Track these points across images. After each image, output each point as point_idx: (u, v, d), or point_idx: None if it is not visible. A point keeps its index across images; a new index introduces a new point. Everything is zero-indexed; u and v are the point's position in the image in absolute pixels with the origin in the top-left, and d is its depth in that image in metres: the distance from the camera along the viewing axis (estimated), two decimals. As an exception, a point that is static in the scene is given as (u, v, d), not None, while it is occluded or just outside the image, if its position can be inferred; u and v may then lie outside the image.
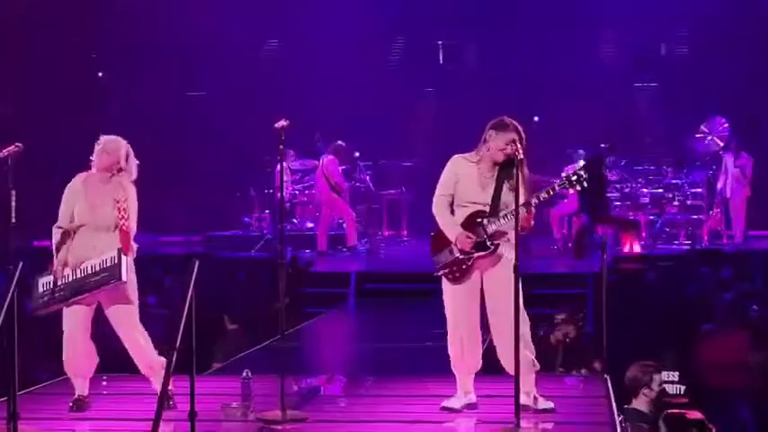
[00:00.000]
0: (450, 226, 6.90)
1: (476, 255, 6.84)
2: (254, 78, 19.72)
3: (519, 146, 6.62)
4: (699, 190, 16.05)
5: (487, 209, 6.83)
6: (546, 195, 6.73)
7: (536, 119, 17.32)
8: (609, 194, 15.80)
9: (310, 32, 19.39)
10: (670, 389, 8.50)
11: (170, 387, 6.96)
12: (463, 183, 6.91)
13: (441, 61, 20.51)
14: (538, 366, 6.95)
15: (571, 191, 6.59)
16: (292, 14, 19.43)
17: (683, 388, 8.62)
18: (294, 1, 19.35)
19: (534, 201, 6.71)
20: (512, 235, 6.64)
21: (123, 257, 6.95)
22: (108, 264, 6.98)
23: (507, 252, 6.80)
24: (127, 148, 7.31)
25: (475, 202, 6.87)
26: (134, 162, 7.32)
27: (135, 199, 7.24)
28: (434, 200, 7.03)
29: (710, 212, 15.87)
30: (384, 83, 19.50)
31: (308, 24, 19.36)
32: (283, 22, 19.85)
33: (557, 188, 6.73)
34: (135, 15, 18.56)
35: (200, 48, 18.82)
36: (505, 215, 6.76)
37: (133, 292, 7.18)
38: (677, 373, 8.73)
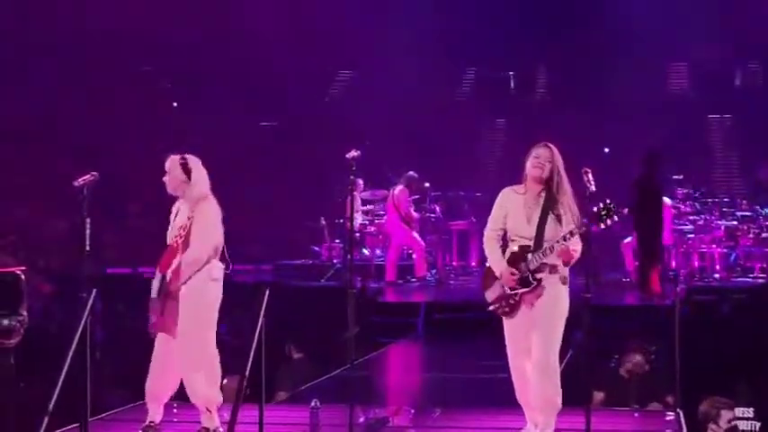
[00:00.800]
0: (497, 262, 6.92)
1: (520, 291, 6.82)
2: (326, 108, 19.87)
3: (548, 165, 6.71)
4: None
5: (532, 243, 6.81)
6: (576, 233, 6.63)
7: (606, 150, 17.23)
8: (680, 225, 15.58)
9: (383, 63, 19.50)
10: (744, 425, 8.32)
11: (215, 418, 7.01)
12: (512, 216, 6.92)
13: (512, 91, 20.49)
14: (559, 407, 6.85)
15: (602, 226, 6.49)
16: (365, 45, 19.54)
17: (758, 425, 8.42)
18: (367, 32, 19.45)
19: (568, 235, 6.64)
20: (560, 267, 6.65)
21: (158, 275, 6.95)
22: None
23: (549, 286, 6.77)
24: (181, 162, 7.21)
25: (522, 236, 6.86)
26: (200, 176, 7.23)
27: (204, 214, 7.16)
28: (485, 234, 7.06)
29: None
30: (455, 113, 19.53)
31: (380, 55, 19.47)
32: (356, 53, 19.98)
33: (585, 226, 6.62)
34: (207, 45, 18.80)
35: (275, 77, 18.99)
36: (545, 250, 6.73)
37: (185, 320, 7.03)
38: (752, 409, 8.54)
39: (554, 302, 6.77)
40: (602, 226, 6.50)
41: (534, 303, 6.82)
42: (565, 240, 6.63)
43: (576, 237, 6.65)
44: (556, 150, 6.88)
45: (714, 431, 7.43)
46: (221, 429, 7.00)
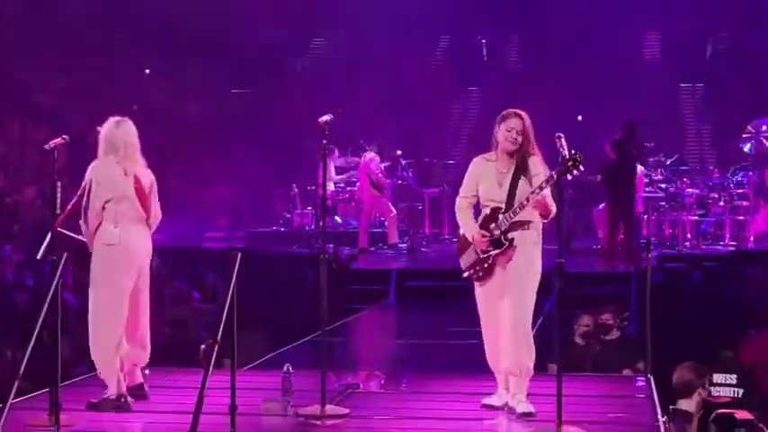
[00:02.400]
0: (469, 226, 6.97)
1: (493, 252, 6.85)
2: (298, 76, 19.78)
3: (520, 137, 6.79)
4: (745, 190, 15.86)
5: (503, 206, 6.84)
6: (546, 185, 6.65)
7: (579, 118, 17.25)
8: (652, 194, 15.65)
9: (355, 31, 19.41)
10: (727, 391, 8.39)
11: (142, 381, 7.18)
12: (483, 183, 6.96)
13: (484, 60, 20.46)
14: (531, 372, 6.90)
15: (569, 177, 6.50)
16: (337, 13, 19.45)
17: (741, 391, 8.48)
18: (340, 1, 19.38)
19: (537, 189, 6.66)
20: (533, 224, 6.73)
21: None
22: None
23: (522, 246, 6.80)
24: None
25: (494, 200, 6.90)
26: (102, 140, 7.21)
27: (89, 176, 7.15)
28: (456, 203, 7.11)
29: (756, 213, 15.67)
30: (427, 81, 19.49)
31: (353, 23, 19.39)
32: (328, 21, 19.88)
33: (554, 176, 6.58)
34: (181, 14, 18.66)
35: (246, 45, 18.88)
36: (515, 208, 6.77)
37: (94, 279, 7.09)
38: (735, 376, 8.59)
39: (526, 266, 6.81)
40: (569, 177, 6.49)
41: (507, 266, 6.84)
42: (541, 189, 6.63)
43: (549, 195, 6.66)
44: (527, 118, 6.92)
45: (702, 395, 7.40)
46: (115, 397, 7.03)
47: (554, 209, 6.71)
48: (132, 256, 7.14)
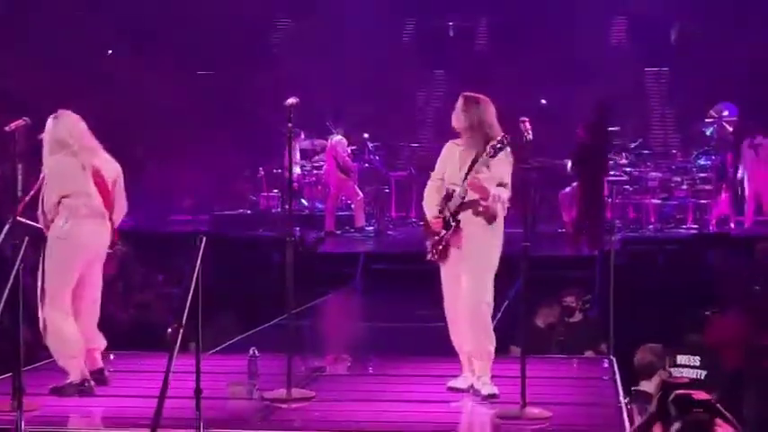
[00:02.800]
0: (429, 209, 7.07)
1: (443, 234, 6.92)
2: (264, 57, 19.69)
3: (462, 114, 6.90)
4: (707, 174, 15.98)
5: (458, 188, 6.90)
6: (480, 167, 6.74)
7: (543, 101, 17.29)
8: (616, 178, 15.72)
9: (322, 12, 19.35)
10: (690, 373, 8.46)
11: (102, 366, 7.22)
12: (448, 166, 7.04)
13: (451, 43, 20.46)
14: (492, 355, 6.95)
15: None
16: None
17: (704, 373, 8.56)
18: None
19: (474, 173, 6.75)
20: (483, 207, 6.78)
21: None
22: None
23: (472, 227, 6.85)
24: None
25: (454, 183, 6.95)
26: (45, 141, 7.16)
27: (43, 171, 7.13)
28: (427, 185, 7.16)
29: (718, 197, 15.80)
30: (394, 64, 19.46)
31: (320, 4, 19.33)
32: (295, 2, 19.81)
33: (486, 156, 6.72)
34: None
35: (211, 26, 18.78)
36: (461, 189, 6.83)
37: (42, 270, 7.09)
38: (698, 358, 8.67)
39: (477, 248, 6.86)
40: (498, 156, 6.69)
41: (459, 246, 6.89)
42: (473, 172, 6.73)
43: (500, 186, 6.75)
44: (478, 100, 6.97)
45: (662, 377, 7.47)
46: (78, 381, 7.05)
47: (497, 192, 6.76)
48: (80, 251, 7.11)
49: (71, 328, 7.09)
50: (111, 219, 7.26)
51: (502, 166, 6.83)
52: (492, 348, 6.94)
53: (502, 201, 6.82)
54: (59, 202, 7.03)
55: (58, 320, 7.05)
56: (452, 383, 7.18)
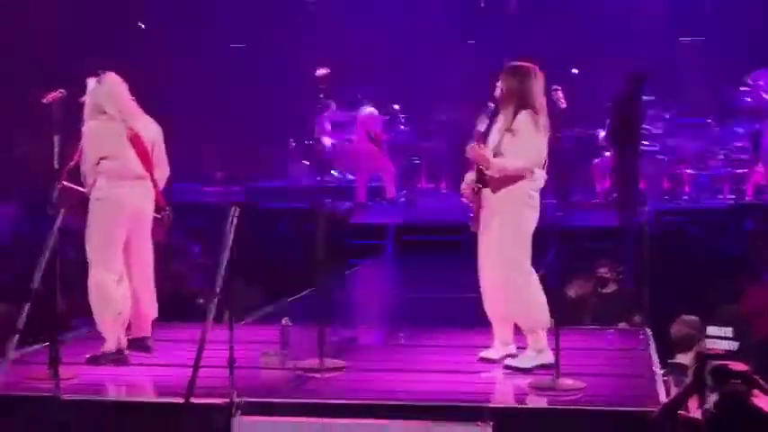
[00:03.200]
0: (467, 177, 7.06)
1: (470, 204, 6.95)
2: (295, 29, 19.65)
3: (498, 88, 6.84)
4: (744, 144, 15.83)
5: None
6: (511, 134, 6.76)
7: (575, 71, 17.16)
8: (650, 148, 15.61)
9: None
10: (723, 344, 8.41)
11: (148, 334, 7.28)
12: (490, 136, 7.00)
13: (482, 11, 20.34)
14: (540, 322, 6.85)
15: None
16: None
17: (736, 344, 8.50)
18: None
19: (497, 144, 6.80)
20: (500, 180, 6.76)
21: None
22: None
23: (493, 198, 6.85)
24: None
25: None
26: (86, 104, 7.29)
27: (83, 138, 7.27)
28: None
29: (755, 166, 15.66)
30: (425, 35, 19.37)
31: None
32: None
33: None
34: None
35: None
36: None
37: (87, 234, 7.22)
38: (731, 329, 8.61)
39: (504, 217, 6.83)
40: None
41: (486, 219, 6.90)
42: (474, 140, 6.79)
43: (512, 157, 6.75)
44: (514, 69, 6.91)
45: (702, 348, 7.41)
46: (114, 350, 7.13)
47: (498, 162, 6.75)
48: (120, 212, 7.18)
49: (116, 289, 7.17)
50: (154, 182, 7.31)
51: (523, 134, 6.77)
52: (537, 316, 6.83)
53: (505, 170, 6.78)
54: (98, 164, 7.12)
55: (102, 281, 7.13)
56: (484, 354, 7.18)
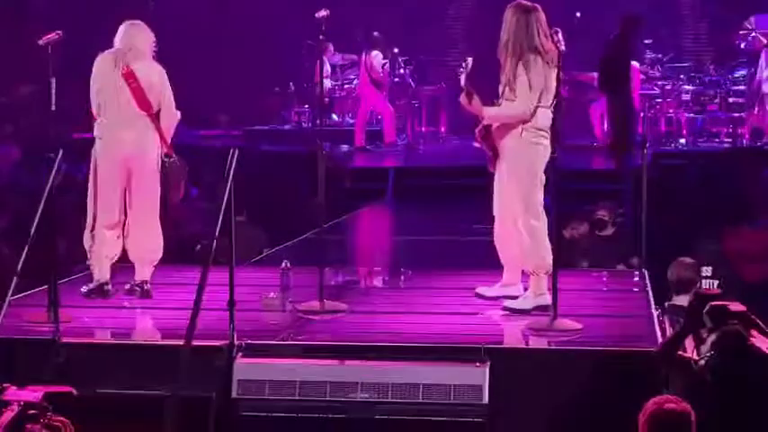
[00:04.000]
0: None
1: (481, 144, 7.07)
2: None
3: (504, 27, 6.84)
4: (741, 87, 15.78)
5: None
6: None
7: (578, 14, 17.07)
8: (648, 91, 15.56)
9: None
10: (704, 283, 8.47)
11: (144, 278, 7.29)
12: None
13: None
14: (543, 267, 6.85)
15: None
16: None
17: (716, 283, 8.57)
18: None
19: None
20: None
21: None
22: None
23: (499, 141, 6.91)
24: None
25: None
26: None
27: None
28: None
29: (752, 110, 15.62)
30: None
31: None
32: None
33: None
34: None
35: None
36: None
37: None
38: (710, 267, 8.67)
39: (510, 162, 6.91)
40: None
41: (497, 161, 6.97)
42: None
43: (509, 101, 6.81)
44: (513, 10, 6.86)
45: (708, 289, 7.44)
46: (98, 284, 7.26)
47: (489, 110, 6.86)
48: (115, 150, 7.21)
49: (102, 230, 7.24)
50: (157, 128, 7.29)
51: (517, 83, 6.78)
52: (543, 259, 6.82)
53: (498, 118, 6.87)
54: (97, 96, 7.25)
55: (92, 220, 7.27)
56: (480, 290, 7.28)
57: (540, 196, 6.90)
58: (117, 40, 7.32)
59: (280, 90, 17.87)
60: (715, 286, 8.43)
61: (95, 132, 7.28)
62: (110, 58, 7.27)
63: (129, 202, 7.31)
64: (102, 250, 7.24)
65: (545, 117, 6.82)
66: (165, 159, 7.38)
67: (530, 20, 6.80)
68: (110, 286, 7.29)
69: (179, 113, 7.42)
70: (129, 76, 7.19)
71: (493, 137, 6.95)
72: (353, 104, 16.70)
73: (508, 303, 7.00)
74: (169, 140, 7.40)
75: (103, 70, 7.24)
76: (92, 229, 7.23)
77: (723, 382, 5.00)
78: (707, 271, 8.62)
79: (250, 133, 17.02)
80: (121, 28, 7.34)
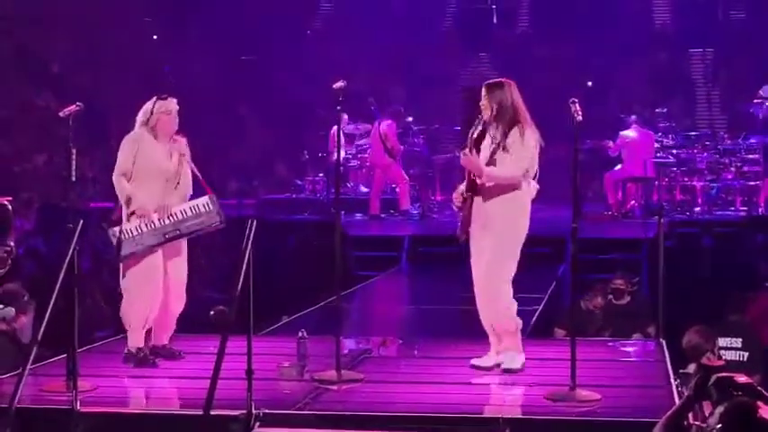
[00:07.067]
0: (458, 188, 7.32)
1: (459, 210, 7.22)
2: (306, 43, 19.73)
3: (486, 104, 7.01)
4: (756, 156, 15.81)
5: None
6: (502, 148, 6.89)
7: (589, 84, 17.22)
8: (663, 159, 15.60)
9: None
10: (732, 355, 8.42)
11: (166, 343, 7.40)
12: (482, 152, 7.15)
13: (494, 24, 20.40)
14: (510, 330, 7.06)
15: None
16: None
17: (746, 354, 8.51)
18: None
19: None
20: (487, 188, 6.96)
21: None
22: (202, 209, 7.48)
23: (477, 205, 7.03)
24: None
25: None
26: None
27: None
28: None
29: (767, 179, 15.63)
30: (437, 48, 19.44)
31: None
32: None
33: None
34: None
35: (255, 11, 18.84)
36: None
37: None
38: (740, 339, 8.62)
39: (496, 226, 7.02)
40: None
41: (474, 226, 7.10)
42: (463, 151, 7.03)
43: (507, 163, 6.90)
44: (499, 85, 7.08)
45: (711, 360, 7.42)
46: (137, 351, 7.30)
47: (488, 171, 6.93)
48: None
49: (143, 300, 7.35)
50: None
51: (514, 148, 6.92)
52: (506, 324, 7.05)
53: (496, 178, 6.96)
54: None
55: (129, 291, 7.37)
56: (475, 361, 7.28)
57: (516, 263, 7.03)
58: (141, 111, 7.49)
59: (293, 159, 17.98)
60: (745, 359, 8.38)
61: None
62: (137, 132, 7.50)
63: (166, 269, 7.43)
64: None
65: (533, 188, 7.06)
66: None
67: (515, 93, 7.06)
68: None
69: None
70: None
71: (474, 203, 7.04)
72: (367, 173, 16.77)
73: (504, 366, 7.07)
74: None
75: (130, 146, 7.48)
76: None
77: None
78: (736, 342, 8.57)
79: (263, 202, 17.07)
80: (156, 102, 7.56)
